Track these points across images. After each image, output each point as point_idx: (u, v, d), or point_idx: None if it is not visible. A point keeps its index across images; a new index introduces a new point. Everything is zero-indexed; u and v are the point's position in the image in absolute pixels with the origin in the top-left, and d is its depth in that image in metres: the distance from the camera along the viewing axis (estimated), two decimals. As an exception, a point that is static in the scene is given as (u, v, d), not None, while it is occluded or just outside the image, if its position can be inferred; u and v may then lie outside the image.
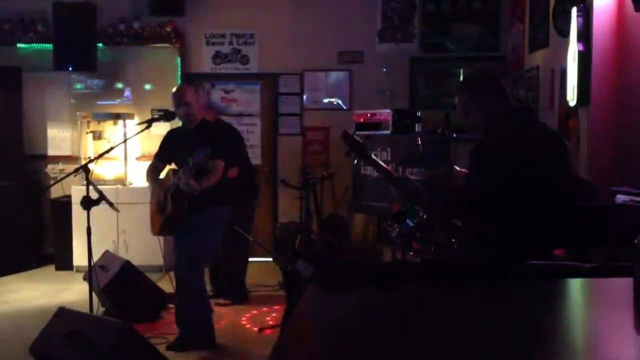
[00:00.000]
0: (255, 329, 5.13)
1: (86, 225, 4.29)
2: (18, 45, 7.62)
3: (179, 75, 7.69)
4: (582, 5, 5.06)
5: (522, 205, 2.83)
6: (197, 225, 4.52)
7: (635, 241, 1.90)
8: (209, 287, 5.31)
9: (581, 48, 5.04)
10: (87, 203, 4.28)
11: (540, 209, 2.85)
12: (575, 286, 2.25)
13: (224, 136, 4.72)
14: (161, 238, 4.78)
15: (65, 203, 7.15)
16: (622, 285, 2.00)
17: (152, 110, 7.44)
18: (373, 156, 3.65)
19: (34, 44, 7.61)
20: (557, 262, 2.89)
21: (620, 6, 4.95)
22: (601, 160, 5.01)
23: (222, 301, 5.74)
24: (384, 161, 6.59)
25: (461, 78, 7.40)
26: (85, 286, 4.95)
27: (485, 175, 2.88)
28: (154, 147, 7.63)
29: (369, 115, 6.89)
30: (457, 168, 3.65)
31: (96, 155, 4.82)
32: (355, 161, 5.89)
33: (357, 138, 3.73)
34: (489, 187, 2.84)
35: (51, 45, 7.17)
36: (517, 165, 2.84)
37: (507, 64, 7.52)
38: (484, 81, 3.13)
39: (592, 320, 1.91)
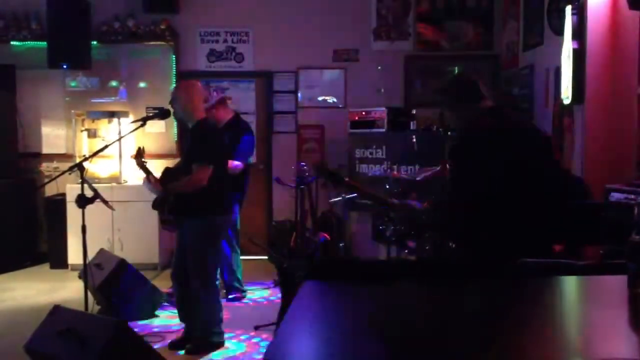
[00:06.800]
0: (251, 326, 5.13)
1: (81, 223, 4.28)
2: (12, 42, 7.58)
3: (174, 73, 7.68)
4: (576, 3, 5.07)
5: (506, 203, 2.82)
6: (190, 239, 4.48)
7: (629, 239, 1.92)
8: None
9: (576, 46, 5.06)
10: (82, 201, 4.26)
11: (526, 205, 2.84)
12: (569, 284, 2.26)
13: (197, 137, 4.49)
14: (156, 236, 4.77)
15: (59, 201, 7.13)
16: (616, 282, 2.01)
17: (147, 108, 7.43)
18: (357, 184, 3.71)
19: (28, 42, 7.57)
20: (551, 259, 2.89)
21: (615, 4, 4.97)
22: (595, 158, 5.02)
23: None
24: (378, 159, 6.64)
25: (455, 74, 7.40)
26: (80, 284, 4.94)
27: (463, 180, 2.90)
28: (148, 145, 7.65)
29: (363, 113, 6.90)
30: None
31: (91, 153, 4.81)
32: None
33: (331, 169, 3.80)
34: (470, 190, 2.85)
35: (45, 42, 7.15)
36: (493, 166, 2.84)
37: (501, 62, 7.54)
38: (461, 88, 3.13)
39: (585, 317, 1.92)
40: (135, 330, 4.08)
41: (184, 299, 4.60)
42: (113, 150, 6.68)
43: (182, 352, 4.55)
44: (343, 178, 3.85)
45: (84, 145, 7.43)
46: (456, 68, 7.39)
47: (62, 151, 7.75)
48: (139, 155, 4.59)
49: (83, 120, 7.43)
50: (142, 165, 4.55)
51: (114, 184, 7.12)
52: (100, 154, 4.66)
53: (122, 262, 5.30)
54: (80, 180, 4.32)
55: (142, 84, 7.81)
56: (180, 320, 4.72)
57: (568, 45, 5.14)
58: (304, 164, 5.54)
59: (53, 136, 7.80)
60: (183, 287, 4.56)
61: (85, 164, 4.44)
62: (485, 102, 3.05)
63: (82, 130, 7.41)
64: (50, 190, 7.22)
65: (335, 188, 4.42)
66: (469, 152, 2.92)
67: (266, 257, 6.88)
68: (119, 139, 5.66)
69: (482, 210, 2.83)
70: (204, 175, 4.34)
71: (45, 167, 7.66)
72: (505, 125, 3.02)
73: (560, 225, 3.01)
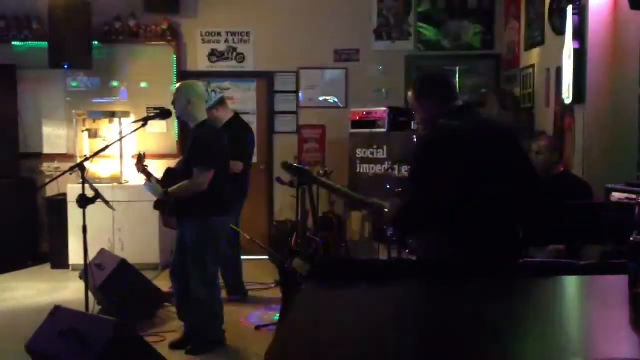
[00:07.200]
0: (251, 326, 5.13)
1: (82, 223, 4.28)
2: (13, 42, 7.58)
3: (175, 73, 7.68)
4: (577, 3, 5.07)
5: (471, 204, 2.72)
6: (190, 239, 4.48)
7: (630, 239, 1.91)
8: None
9: (577, 46, 5.06)
10: (83, 201, 4.26)
11: (493, 205, 2.74)
12: (569, 283, 2.26)
13: (198, 140, 4.49)
14: (157, 236, 4.77)
15: (60, 201, 7.13)
16: (616, 282, 2.01)
17: (148, 108, 7.43)
18: (325, 180, 3.70)
19: (29, 42, 7.57)
20: (552, 259, 2.88)
21: (616, 4, 4.97)
22: (596, 157, 5.02)
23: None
24: (379, 159, 6.64)
25: (457, 76, 7.42)
26: (81, 285, 4.94)
27: (422, 183, 2.83)
28: (149, 145, 7.66)
29: (364, 113, 6.89)
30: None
31: (92, 154, 4.81)
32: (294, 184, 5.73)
33: (299, 165, 3.79)
34: (428, 193, 2.77)
35: (46, 43, 7.15)
36: (458, 166, 2.76)
37: (502, 61, 7.53)
38: (427, 84, 3.07)
39: (586, 317, 1.92)
40: (136, 330, 4.08)
41: (182, 298, 4.61)
42: (114, 151, 6.67)
43: (184, 352, 4.55)
44: (312, 175, 3.88)
45: (85, 146, 7.43)
46: (457, 68, 7.39)
47: (63, 151, 7.75)
48: (140, 161, 4.59)
49: (84, 120, 7.43)
50: (144, 170, 4.56)
51: (115, 184, 7.12)
52: (101, 154, 4.66)
53: (123, 262, 5.30)
54: (81, 180, 4.32)
55: (143, 84, 7.81)
56: (179, 318, 4.73)
57: (569, 45, 5.14)
58: (305, 164, 5.54)
59: (54, 136, 7.80)
60: (182, 287, 4.56)
61: (86, 164, 4.43)
62: (454, 101, 3.00)
63: (83, 131, 7.41)
64: (51, 190, 7.22)
65: (302, 185, 4.44)
66: (434, 152, 2.84)
67: (267, 257, 6.88)
68: (120, 139, 5.65)
69: (445, 211, 2.75)
70: (205, 179, 4.35)
71: (46, 167, 7.66)
72: (472, 124, 2.94)
73: (537, 224, 2.95)
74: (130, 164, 7.31)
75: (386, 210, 3.12)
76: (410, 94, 3.08)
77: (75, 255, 6.77)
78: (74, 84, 7.78)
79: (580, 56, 5.04)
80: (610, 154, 4.97)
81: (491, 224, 2.73)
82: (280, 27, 7.69)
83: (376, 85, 7.58)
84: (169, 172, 4.68)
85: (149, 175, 4.53)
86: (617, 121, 4.97)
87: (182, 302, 4.65)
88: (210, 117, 5.16)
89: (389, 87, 7.59)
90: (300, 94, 7.79)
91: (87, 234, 4.30)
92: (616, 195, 3.92)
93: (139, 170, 4.59)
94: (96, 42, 7.44)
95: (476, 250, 2.67)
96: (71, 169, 4.47)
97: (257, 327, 5.09)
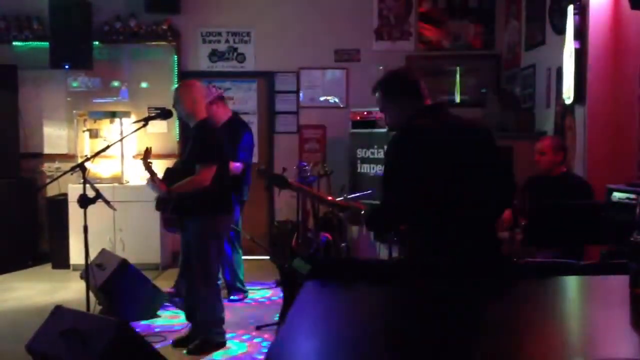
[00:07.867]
0: (251, 327, 5.13)
1: (83, 223, 4.28)
2: (14, 43, 7.59)
3: (176, 73, 7.69)
4: (578, 3, 5.07)
5: (442, 204, 2.71)
6: (191, 238, 4.49)
7: (630, 239, 1.92)
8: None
9: (577, 46, 5.06)
10: (84, 201, 4.27)
11: (464, 206, 2.71)
12: (569, 284, 2.26)
13: (198, 137, 4.48)
14: (158, 236, 4.79)
15: (61, 201, 7.14)
16: (617, 282, 2.01)
17: (149, 108, 7.44)
18: (300, 185, 3.74)
19: (30, 42, 7.58)
20: (552, 259, 2.88)
21: (616, 4, 4.97)
22: (597, 157, 5.02)
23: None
24: (380, 159, 6.64)
25: (457, 76, 7.43)
26: (82, 285, 4.95)
27: (396, 183, 2.81)
28: (150, 145, 7.64)
29: (365, 113, 6.90)
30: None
31: (93, 154, 4.82)
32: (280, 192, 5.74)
33: (275, 172, 3.85)
34: (399, 194, 2.76)
35: (47, 43, 7.16)
36: (424, 168, 2.74)
37: (503, 61, 7.53)
38: (398, 82, 3.04)
39: (586, 317, 1.92)
40: (137, 330, 4.08)
41: (189, 298, 4.62)
42: (115, 151, 6.68)
43: (184, 351, 4.56)
44: (287, 180, 3.94)
45: (86, 146, 7.43)
46: (457, 68, 7.40)
47: (64, 151, 7.76)
48: (146, 156, 4.58)
49: (85, 120, 7.44)
50: (148, 166, 4.54)
51: (115, 184, 7.12)
52: (102, 154, 4.66)
53: (123, 262, 5.30)
54: (82, 180, 4.32)
55: (143, 84, 7.81)
56: (187, 319, 4.71)
57: (570, 45, 5.14)
58: (305, 163, 5.54)
59: (55, 136, 7.81)
60: (190, 287, 4.58)
61: (87, 164, 4.43)
62: (426, 100, 2.98)
63: (84, 131, 7.42)
64: (52, 190, 7.23)
65: (280, 190, 4.51)
66: (403, 153, 2.82)
67: (268, 257, 6.88)
68: (121, 139, 5.66)
69: (417, 211, 2.74)
70: (208, 175, 4.34)
71: (47, 167, 7.67)
72: (443, 123, 2.91)
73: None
74: (132, 164, 7.34)
75: (363, 212, 3.12)
76: (377, 94, 3.05)
77: (76, 255, 6.78)
78: (75, 84, 7.79)
79: (580, 56, 5.04)
80: (611, 153, 4.97)
81: (463, 224, 2.70)
82: (281, 27, 7.69)
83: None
84: (168, 172, 4.68)
85: (152, 173, 4.51)
86: (617, 121, 4.97)
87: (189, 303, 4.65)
88: (210, 114, 5.17)
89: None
90: (300, 94, 7.79)
91: (88, 234, 4.30)
92: (617, 195, 3.92)
93: (144, 165, 4.54)
94: (96, 42, 7.44)
95: (447, 250, 2.66)
96: (72, 169, 4.48)
97: (258, 327, 5.08)
